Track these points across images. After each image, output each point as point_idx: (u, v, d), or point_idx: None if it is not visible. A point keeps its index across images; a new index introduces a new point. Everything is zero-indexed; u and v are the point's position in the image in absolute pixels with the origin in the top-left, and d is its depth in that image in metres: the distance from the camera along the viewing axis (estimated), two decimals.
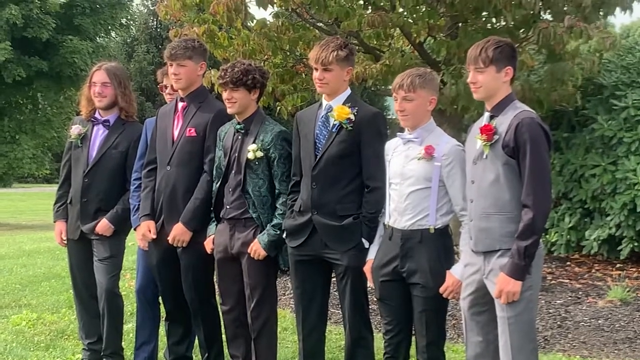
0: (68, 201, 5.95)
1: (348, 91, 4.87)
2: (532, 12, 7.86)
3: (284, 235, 4.99)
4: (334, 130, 4.81)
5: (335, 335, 6.34)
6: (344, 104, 4.79)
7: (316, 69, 4.83)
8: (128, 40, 41.90)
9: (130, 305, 6.62)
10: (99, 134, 5.89)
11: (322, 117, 4.87)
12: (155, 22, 42.15)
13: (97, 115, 5.89)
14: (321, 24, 8.54)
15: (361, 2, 8.31)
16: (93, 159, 5.84)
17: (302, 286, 4.99)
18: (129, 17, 26.79)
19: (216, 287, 5.51)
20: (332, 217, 4.79)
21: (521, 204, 4.13)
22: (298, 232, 4.89)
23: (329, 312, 5.20)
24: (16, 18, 21.15)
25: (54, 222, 6.07)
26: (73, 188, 5.93)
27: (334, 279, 4.99)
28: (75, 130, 5.93)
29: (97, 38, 24.99)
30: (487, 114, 4.33)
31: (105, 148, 5.84)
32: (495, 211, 4.22)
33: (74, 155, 5.96)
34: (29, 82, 22.55)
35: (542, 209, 4.12)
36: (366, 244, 4.73)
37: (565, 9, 8.08)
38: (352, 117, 4.75)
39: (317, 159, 4.82)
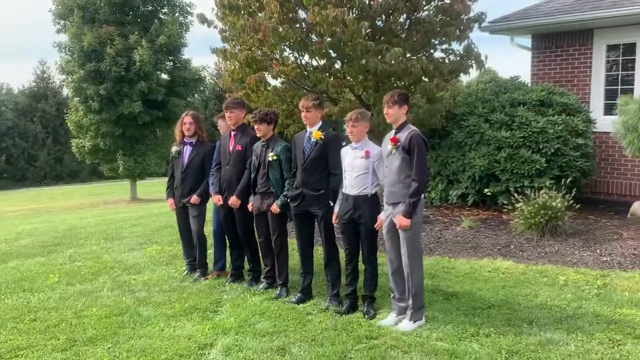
0: (174, 187, 5.98)
1: (320, 122, 4.84)
2: (417, 77, 7.93)
3: (288, 200, 4.99)
4: (313, 144, 4.79)
5: (320, 254, 6.33)
6: (318, 129, 4.78)
7: (302, 111, 4.82)
8: (204, 98, 41.31)
9: (210, 240, 6.67)
10: (187, 150, 5.89)
11: (307, 137, 4.84)
12: (218, 88, 41.34)
13: (185, 139, 5.90)
14: (306, 86, 8.55)
15: (327, 74, 8.31)
16: (185, 163, 5.85)
17: (299, 227, 4.98)
18: (204, 87, 26.45)
19: (255, 228, 5.50)
20: (313, 190, 4.77)
21: (411, 179, 4.17)
22: (295, 198, 4.88)
23: (315, 241, 5.19)
24: (144, 89, 21.41)
25: (167, 198, 6.11)
26: (175, 180, 5.94)
27: (317, 224, 4.95)
28: (174, 148, 5.95)
29: (188, 98, 24.73)
30: (393, 131, 4.35)
31: (191, 157, 5.84)
32: (398, 183, 4.25)
33: (175, 162, 5.97)
34: (151, 123, 22.53)
35: (422, 181, 4.17)
36: (332, 204, 4.72)
37: (434, 74, 8.17)
38: (322, 136, 4.74)
39: (304, 160, 4.81)
